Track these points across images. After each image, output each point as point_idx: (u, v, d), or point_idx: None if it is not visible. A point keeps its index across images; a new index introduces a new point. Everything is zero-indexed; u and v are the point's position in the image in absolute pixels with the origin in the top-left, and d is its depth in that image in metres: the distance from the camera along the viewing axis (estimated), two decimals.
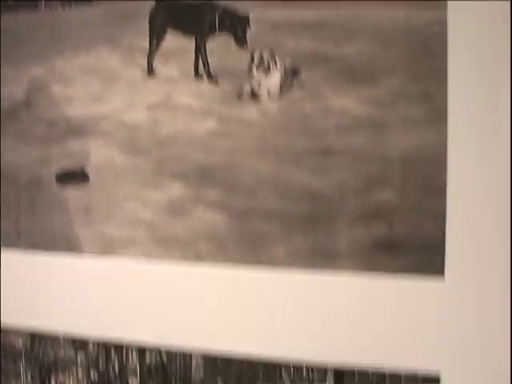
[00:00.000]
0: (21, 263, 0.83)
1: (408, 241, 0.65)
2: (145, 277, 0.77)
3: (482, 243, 0.63)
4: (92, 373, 0.82)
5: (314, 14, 0.71)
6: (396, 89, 0.67)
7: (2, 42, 0.85)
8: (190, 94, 0.77)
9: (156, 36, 0.77)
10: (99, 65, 0.82)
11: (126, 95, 0.79)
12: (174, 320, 0.76)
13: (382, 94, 0.68)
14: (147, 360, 0.78)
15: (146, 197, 0.77)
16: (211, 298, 0.74)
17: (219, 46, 0.77)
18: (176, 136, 0.77)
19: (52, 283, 0.82)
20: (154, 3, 0.77)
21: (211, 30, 0.75)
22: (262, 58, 0.73)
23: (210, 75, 0.74)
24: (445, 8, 0.62)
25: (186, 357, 0.77)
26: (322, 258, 0.69)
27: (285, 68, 0.73)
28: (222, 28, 0.74)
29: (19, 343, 0.84)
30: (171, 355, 0.77)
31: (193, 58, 0.75)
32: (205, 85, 0.75)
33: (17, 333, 0.83)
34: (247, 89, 0.74)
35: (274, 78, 0.73)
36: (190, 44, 0.77)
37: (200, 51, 0.75)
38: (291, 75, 0.72)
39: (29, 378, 0.85)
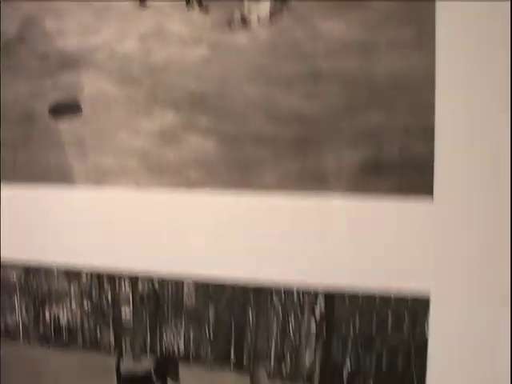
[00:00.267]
0: (14, 197, 0.84)
1: (397, 162, 0.66)
2: (137, 206, 0.78)
3: (470, 163, 0.64)
4: (85, 303, 0.83)
5: None
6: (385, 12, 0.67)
7: None
8: (181, 22, 0.78)
9: None
10: None
11: (118, 26, 0.81)
12: (165, 248, 0.77)
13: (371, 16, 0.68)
14: (139, 288, 0.79)
15: (138, 126, 0.79)
16: (202, 225, 0.75)
17: None
18: (167, 65, 0.78)
19: (45, 216, 0.84)
20: None
21: None
22: None
23: (200, 3, 0.75)
24: None
25: (177, 284, 0.78)
26: (311, 181, 0.70)
27: None
28: None
29: (14, 277, 0.85)
30: (163, 283, 0.79)
31: None
32: (196, 13, 0.76)
33: (11, 266, 0.85)
34: (237, 16, 0.75)
35: (264, 5, 0.73)
36: None
37: None
38: (281, 1, 0.72)
39: (23, 311, 0.87)
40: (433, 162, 0.64)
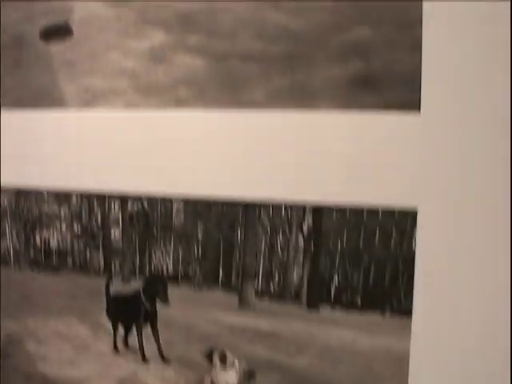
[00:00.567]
0: (4, 121, 0.85)
1: (384, 76, 0.67)
2: (126, 126, 0.79)
3: (457, 76, 0.65)
4: (75, 226, 0.85)
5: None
6: None
7: None
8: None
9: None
10: None
11: None
12: (155, 167, 0.78)
13: None
14: (129, 209, 0.81)
15: (129, 46, 0.80)
16: (192, 143, 0.76)
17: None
18: None
19: (35, 139, 0.85)
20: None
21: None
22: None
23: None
24: None
25: (166, 203, 0.80)
26: (300, 97, 0.71)
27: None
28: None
29: (4, 202, 0.87)
30: (152, 202, 0.80)
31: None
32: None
33: (2, 192, 0.86)
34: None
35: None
36: None
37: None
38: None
39: (14, 236, 0.88)
40: (420, 75, 0.65)
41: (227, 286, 0.79)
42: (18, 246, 0.89)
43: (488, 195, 0.64)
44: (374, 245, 0.72)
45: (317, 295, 0.75)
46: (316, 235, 0.74)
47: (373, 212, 0.71)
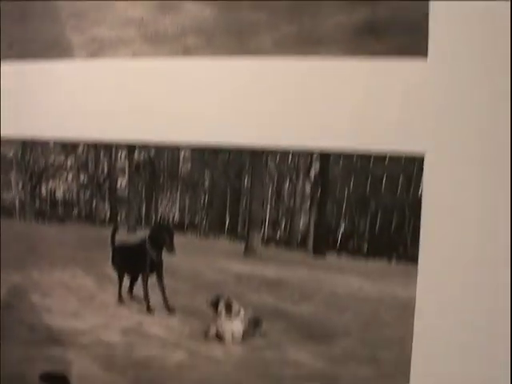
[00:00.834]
0: (11, 73, 0.86)
1: (392, 23, 0.68)
2: (134, 75, 0.80)
3: (465, 22, 0.66)
4: (81, 176, 0.86)
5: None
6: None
7: None
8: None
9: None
10: None
11: None
12: (162, 116, 0.79)
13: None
14: (135, 158, 0.82)
15: None
16: (199, 91, 0.77)
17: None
18: None
19: (42, 90, 0.86)
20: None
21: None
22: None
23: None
24: None
25: (173, 151, 0.81)
26: (307, 44, 0.72)
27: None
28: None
29: (10, 153, 0.88)
30: (159, 151, 0.81)
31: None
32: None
33: (8, 143, 0.87)
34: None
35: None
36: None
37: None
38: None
39: (20, 187, 0.89)
40: (427, 22, 0.65)
41: (233, 234, 0.80)
42: (23, 197, 0.90)
43: (494, 141, 0.65)
44: (380, 191, 0.73)
45: (323, 242, 0.76)
46: (323, 182, 0.75)
47: (380, 158, 0.73)
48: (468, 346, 0.69)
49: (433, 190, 0.68)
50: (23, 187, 0.89)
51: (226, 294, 0.80)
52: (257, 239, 0.78)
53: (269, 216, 0.77)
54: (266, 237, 0.78)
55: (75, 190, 0.88)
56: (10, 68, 0.85)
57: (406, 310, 0.71)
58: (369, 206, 0.73)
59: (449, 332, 0.69)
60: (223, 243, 0.80)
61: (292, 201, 0.76)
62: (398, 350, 0.73)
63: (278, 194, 0.76)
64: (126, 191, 0.84)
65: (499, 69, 0.63)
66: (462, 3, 0.64)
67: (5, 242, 0.91)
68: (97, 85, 0.81)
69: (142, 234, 0.84)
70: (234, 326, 0.79)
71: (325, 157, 0.74)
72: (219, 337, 0.81)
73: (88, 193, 0.86)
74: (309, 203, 0.75)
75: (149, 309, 0.83)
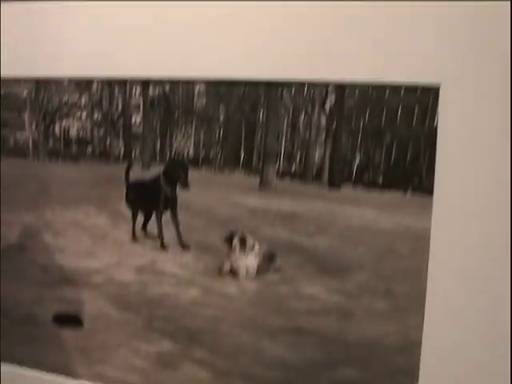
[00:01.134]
0: (24, 12, 0.87)
1: None
2: (147, 10, 0.81)
3: None
4: (95, 114, 0.87)
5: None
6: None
7: None
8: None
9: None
10: None
11: None
12: (176, 50, 0.80)
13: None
14: (150, 94, 0.83)
15: None
16: (213, 24, 0.78)
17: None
18: None
19: (54, 27, 0.87)
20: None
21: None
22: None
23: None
24: None
25: (188, 86, 0.82)
26: None
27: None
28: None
29: (24, 93, 0.89)
30: (174, 86, 0.82)
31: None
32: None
33: (21, 82, 0.88)
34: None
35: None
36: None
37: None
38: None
39: (33, 127, 0.91)
40: None
41: (248, 167, 0.82)
42: (36, 136, 0.91)
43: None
44: (396, 123, 0.75)
45: (338, 175, 0.77)
46: (338, 114, 0.77)
47: (395, 89, 0.73)
48: (484, 277, 0.70)
49: (448, 121, 0.69)
50: (37, 127, 0.91)
51: (241, 228, 0.81)
52: (272, 173, 0.79)
53: (284, 149, 0.79)
54: (281, 170, 0.79)
55: (89, 128, 0.89)
56: (24, 7, 0.85)
57: (420, 242, 0.72)
58: (384, 138, 0.74)
59: (464, 264, 0.70)
60: (238, 177, 0.82)
61: (307, 133, 0.77)
62: (412, 283, 0.74)
63: (293, 126, 0.77)
64: (141, 127, 0.85)
65: None
66: None
67: (18, 183, 0.92)
68: (110, 21, 0.82)
69: (157, 170, 0.85)
70: (249, 262, 0.81)
71: (340, 88, 0.75)
72: (233, 273, 0.83)
73: (102, 130, 0.88)
74: (324, 136, 0.76)
75: (163, 246, 0.85)
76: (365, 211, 0.76)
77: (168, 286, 0.86)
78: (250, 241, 0.80)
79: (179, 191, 0.84)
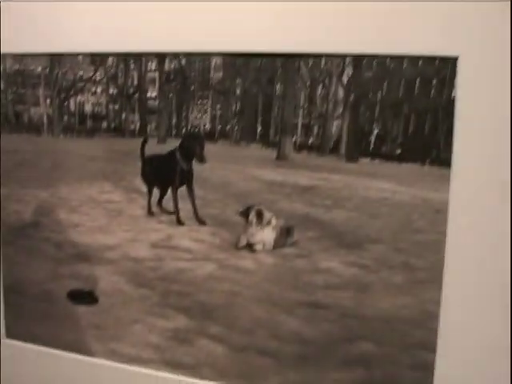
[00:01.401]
0: None
1: None
2: None
3: None
4: (111, 88, 0.88)
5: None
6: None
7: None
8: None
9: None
10: None
11: None
12: (192, 23, 0.81)
13: None
14: (166, 68, 0.83)
15: None
16: None
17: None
18: None
19: (69, 4, 0.87)
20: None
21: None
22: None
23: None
24: None
25: (204, 60, 0.82)
26: None
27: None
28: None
29: (38, 69, 0.90)
30: (190, 59, 0.83)
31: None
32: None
33: (36, 58, 0.89)
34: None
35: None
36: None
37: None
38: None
39: (48, 103, 0.91)
40: None
41: (265, 141, 0.83)
42: (51, 112, 0.92)
43: None
44: (413, 94, 0.75)
45: (356, 147, 0.78)
46: (356, 86, 0.77)
47: (413, 61, 0.74)
48: (503, 249, 0.71)
49: (467, 92, 0.70)
50: (51, 102, 0.91)
51: (258, 202, 0.81)
52: (289, 146, 0.80)
53: (301, 122, 0.79)
54: (298, 143, 0.79)
55: (104, 103, 0.89)
56: None
57: (438, 215, 0.73)
58: (402, 110, 0.74)
59: (483, 236, 0.71)
60: (255, 151, 0.82)
61: (324, 106, 0.78)
62: (430, 256, 0.75)
63: (311, 99, 0.78)
64: (157, 102, 0.85)
65: None
66: None
67: (32, 159, 0.93)
68: None
69: (172, 144, 0.85)
70: (265, 236, 0.82)
71: (358, 60, 0.76)
72: (250, 247, 0.83)
73: (117, 105, 0.88)
74: (342, 108, 0.76)
75: (179, 221, 0.85)
76: (382, 184, 0.77)
77: (184, 262, 0.87)
78: (266, 215, 0.81)
79: (195, 165, 0.84)
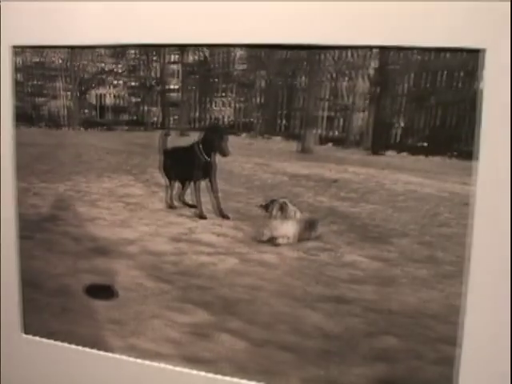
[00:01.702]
0: None
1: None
2: None
3: None
4: (132, 81, 0.88)
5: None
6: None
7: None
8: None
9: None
10: None
11: None
12: (215, 15, 0.81)
13: None
14: (189, 60, 0.83)
15: None
16: None
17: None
18: None
19: (89, 2, 0.86)
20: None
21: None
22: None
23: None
24: None
25: (228, 51, 0.82)
26: None
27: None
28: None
29: (59, 61, 0.90)
30: (213, 51, 0.83)
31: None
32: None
33: (56, 51, 0.89)
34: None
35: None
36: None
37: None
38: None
39: (67, 95, 0.91)
40: None
41: (289, 133, 0.83)
42: (71, 105, 0.91)
43: None
44: (439, 87, 0.76)
45: (381, 140, 0.79)
46: (381, 78, 0.77)
47: (439, 53, 0.74)
48: None
49: (494, 85, 0.70)
50: (71, 95, 0.91)
51: (281, 195, 0.81)
52: (312, 138, 0.80)
53: (325, 114, 0.79)
54: (322, 136, 0.79)
55: (125, 96, 0.89)
56: None
57: (465, 208, 0.73)
58: (427, 102, 0.75)
59: (509, 230, 0.71)
60: (278, 143, 0.82)
61: (349, 98, 0.78)
62: (456, 250, 0.75)
63: (336, 91, 0.78)
64: (179, 94, 0.85)
65: None
66: None
67: (51, 152, 0.93)
68: None
69: (195, 137, 0.85)
70: (289, 229, 0.82)
71: (383, 52, 0.76)
72: (273, 241, 0.83)
73: (138, 97, 0.88)
74: (367, 100, 0.76)
75: (201, 215, 0.85)
76: (408, 177, 0.77)
77: (205, 256, 0.87)
78: (290, 208, 0.81)
79: (217, 158, 0.84)
